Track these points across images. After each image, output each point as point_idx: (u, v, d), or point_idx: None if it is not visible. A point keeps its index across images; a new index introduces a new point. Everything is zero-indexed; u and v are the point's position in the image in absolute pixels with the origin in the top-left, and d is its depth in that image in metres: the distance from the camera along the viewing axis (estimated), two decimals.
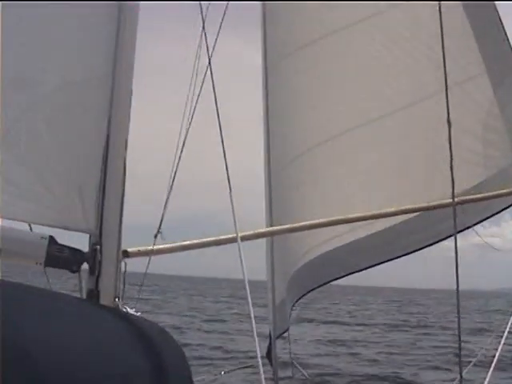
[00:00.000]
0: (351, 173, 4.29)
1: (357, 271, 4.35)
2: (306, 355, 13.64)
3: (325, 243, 4.23)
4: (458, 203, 3.22)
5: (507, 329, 3.44)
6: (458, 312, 2.78)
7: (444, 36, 4.00)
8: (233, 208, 2.21)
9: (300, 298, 4.77)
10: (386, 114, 4.18)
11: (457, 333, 3.15)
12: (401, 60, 4.18)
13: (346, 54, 4.31)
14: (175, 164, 3.01)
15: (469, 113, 4.01)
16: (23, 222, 2.16)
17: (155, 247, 2.44)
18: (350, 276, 4.52)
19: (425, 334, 22.89)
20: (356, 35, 4.20)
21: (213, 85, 2.33)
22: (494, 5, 4.01)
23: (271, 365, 4.61)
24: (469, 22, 3.99)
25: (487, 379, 3.25)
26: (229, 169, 2.24)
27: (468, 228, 4.00)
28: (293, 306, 4.78)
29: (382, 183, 4.16)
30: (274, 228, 3.37)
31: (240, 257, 2.21)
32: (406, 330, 24.54)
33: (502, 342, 3.48)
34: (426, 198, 3.84)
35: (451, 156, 2.96)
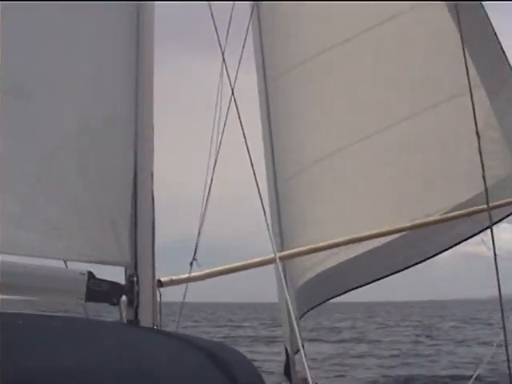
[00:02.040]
0: (350, 190, 4.35)
1: (359, 287, 4.39)
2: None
3: (326, 259, 4.27)
4: (493, 208, 3.21)
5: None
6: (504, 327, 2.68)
7: (438, 49, 4.10)
8: (269, 229, 2.27)
9: (303, 315, 4.80)
10: (383, 129, 4.25)
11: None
12: (396, 74, 4.26)
13: (342, 70, 4.40)
14: (206, 193, 3.08)
15: (467, 125, 4.06)
16: (60, 259, 2.23)
17: (187, 275, 2.50)
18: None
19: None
20: (351, 51, 4.31)
21: (238, 116, 2.42)
22: (486, 14, 4.09)
23: (290, 382, 4.65)
24: (461, 34, 4.06)
25: None
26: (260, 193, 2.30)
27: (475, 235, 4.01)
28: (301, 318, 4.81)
29: (381, 201, 4.21)
30: (313, 246, 3.43)
31: (282, 277, 2.27)
32: None
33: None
34: (422, 214, 3.91)
35: (482, 161, 2.96)
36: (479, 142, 3.01)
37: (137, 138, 2.37)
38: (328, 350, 20.97)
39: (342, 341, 26.77)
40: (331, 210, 4.38)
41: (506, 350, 2.67)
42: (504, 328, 2.73)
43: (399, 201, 4.22)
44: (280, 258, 2.40)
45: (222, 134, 3.20)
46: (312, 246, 3.43)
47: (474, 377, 4.11)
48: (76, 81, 2.40)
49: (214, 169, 3.13)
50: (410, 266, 4.21)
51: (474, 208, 3.57)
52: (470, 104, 3.96)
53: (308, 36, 4.50)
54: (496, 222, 3.80)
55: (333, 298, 4.67)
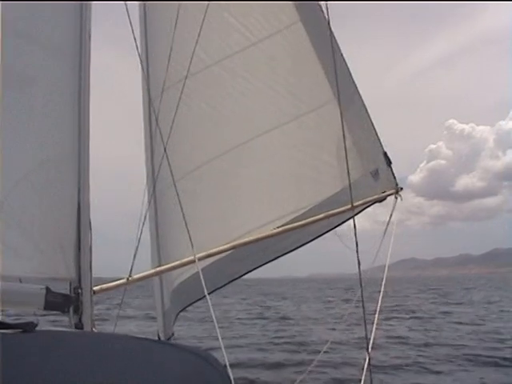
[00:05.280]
0: (224, 194, 5.01)
1: (236, 278, 5.16)
2: None
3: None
4: (355, 207, 4.09)
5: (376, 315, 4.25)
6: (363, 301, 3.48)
7: (299, 67, 4.84)
8: (189, 232, 2.99)
9: (186, 307, 5.45)
10: (253, 137, 4.95)
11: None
12: (263, 90, 4.95)
13: (218, 86, 5.00)
14: (144, 207, 3.64)
15: (326, 134, 4.84)
16: (20, 277, 2.75)
17: (115, 283, 3.15)
18: None
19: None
20: (228, 69, 4.95)
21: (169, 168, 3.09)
22: (336, 42, 4.88)
23: None
24: (317, 56, 4.79)
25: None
26: None
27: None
28: (178, 314, 5.45)
29: (254, 201, 4.92)
30: (226, 246, 4.03)
31: (200, 276, 3.01)
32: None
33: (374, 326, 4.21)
34: (295, 207, 4.74)
35: (348, 169, 3.79)
36: (346, 149, 3.85)
37: (79, 178, 2.95)
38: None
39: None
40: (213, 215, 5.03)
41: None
42: (362, 301, 3.58)
43: (273, 201, 4.92)
44: (199, 259, 3.12)
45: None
46: (226, 246, 4.06)
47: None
48: (32, 125, 2.87)
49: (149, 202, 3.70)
50: (280, 256, 5.07)
51: (342, 208, 4.47)
52: (327, 116, 4.78)
53: (185, 55, 5.06)
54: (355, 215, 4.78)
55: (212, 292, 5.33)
